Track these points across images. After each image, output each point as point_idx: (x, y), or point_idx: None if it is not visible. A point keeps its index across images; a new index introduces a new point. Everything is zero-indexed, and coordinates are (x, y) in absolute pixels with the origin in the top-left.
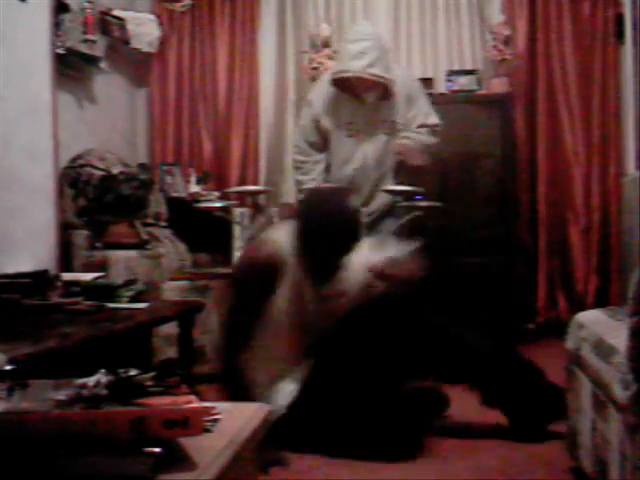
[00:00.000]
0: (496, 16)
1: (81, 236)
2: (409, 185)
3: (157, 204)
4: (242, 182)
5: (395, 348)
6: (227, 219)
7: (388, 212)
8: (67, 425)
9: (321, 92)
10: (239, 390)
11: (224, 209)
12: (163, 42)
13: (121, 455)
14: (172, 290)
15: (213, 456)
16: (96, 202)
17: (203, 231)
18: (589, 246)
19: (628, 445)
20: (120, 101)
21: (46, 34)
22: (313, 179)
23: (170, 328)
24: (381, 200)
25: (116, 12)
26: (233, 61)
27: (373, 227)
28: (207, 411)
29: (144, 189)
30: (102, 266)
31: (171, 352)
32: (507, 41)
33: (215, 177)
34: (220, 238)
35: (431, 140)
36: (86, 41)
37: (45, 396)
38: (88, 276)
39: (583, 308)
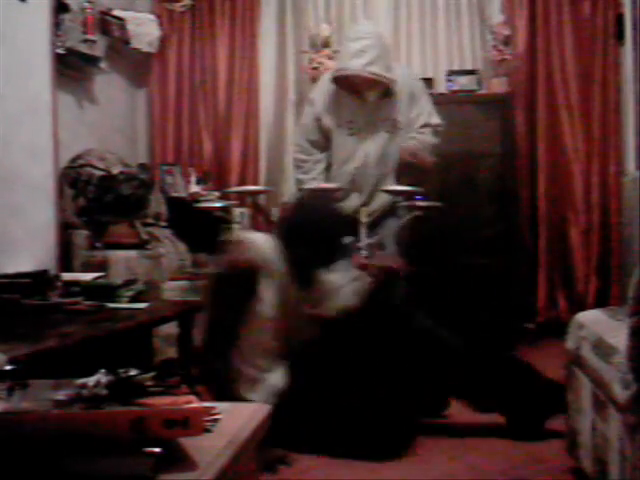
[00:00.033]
0: (496, 16)
1: (81, 236)
2: (414, 186)
3: (157, 204)
4: (242, 182)
5: (381, 351)
6: (227, 219)
7: (388, 212)
8: (67, 425)
9: (322, 91)
10: (221, 389)
11: (224, 209)
12: (163, 42)
13: (121, 455)
14: (172, 290)
15: (213, 456)
16: (96, 202)
17: (203, 231)
18: (589, 246)
19: (628, 445)
20: (120, 101)
21: (46, 34)
22: (314, 178)
23: (170, 328)
24: (381, 200)
25: (116, 12)
26: (233, 61)
27: (373, 227)
28: (207, 411)
29: (144, 189)
30: (102, 266)
31: (171, 352)
32: (507, 41)
33: (215, 177)
34: (220, 238)
35: (434, 140)
36: (86, 41)
37: (45, 396)
38: (88, 276)
39: (583, 308)
